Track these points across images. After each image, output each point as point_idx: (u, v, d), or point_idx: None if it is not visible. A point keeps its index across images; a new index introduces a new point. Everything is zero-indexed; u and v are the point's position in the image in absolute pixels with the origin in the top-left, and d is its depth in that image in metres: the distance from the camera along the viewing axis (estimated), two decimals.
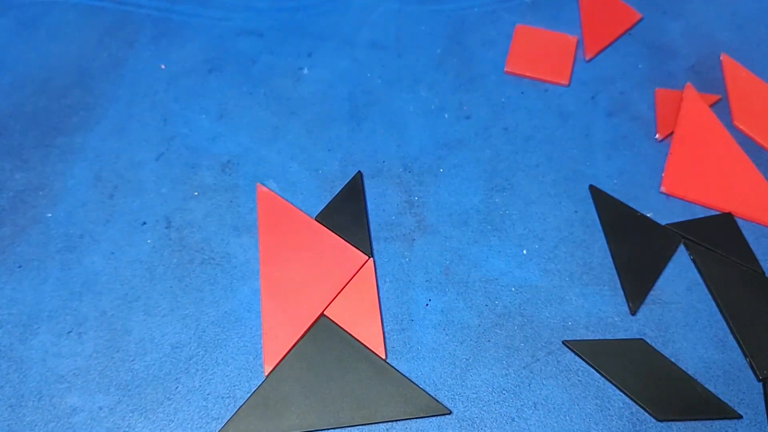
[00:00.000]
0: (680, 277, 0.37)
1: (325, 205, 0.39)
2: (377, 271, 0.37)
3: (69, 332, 0.35)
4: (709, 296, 0.36)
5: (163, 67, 0.46)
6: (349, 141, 0.42)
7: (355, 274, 0.36)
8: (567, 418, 0.32)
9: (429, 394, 0.33)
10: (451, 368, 0.34)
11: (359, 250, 0.37)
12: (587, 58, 0.46)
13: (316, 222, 0.38)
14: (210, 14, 0.50)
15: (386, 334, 0.35)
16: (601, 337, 0.35)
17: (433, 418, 0.32)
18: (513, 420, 0.32)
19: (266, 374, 0.34)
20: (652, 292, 0.36)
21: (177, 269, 0.37)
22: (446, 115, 0.43)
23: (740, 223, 0.38)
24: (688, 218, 0.39)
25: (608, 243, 0.38)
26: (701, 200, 0.39)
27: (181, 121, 0.44)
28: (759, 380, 0.33)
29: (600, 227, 0.38)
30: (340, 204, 0.39)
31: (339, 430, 0.32)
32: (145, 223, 0.39)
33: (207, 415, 0.33)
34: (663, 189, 0.39)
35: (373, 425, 0.32)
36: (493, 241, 0.38)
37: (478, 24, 0.48)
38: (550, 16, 0.48)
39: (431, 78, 0.45)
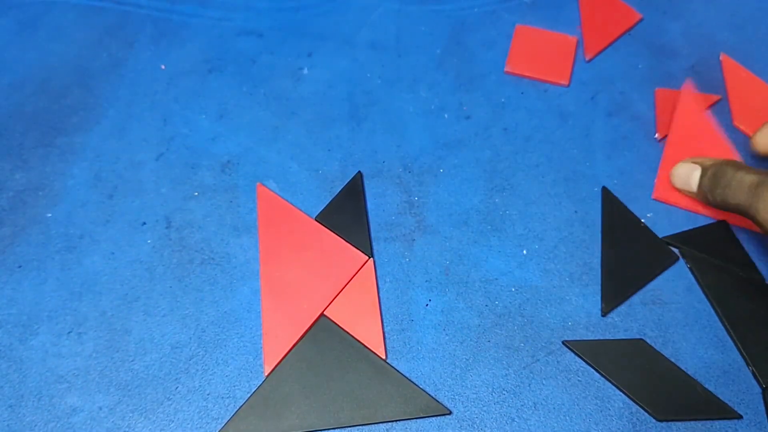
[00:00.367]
0: (680, 277, 0.37)
1: (325, 205, 0.39)
2: (377, 271, 0.37)
3: (69, 332, 0.35)
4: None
5: (163, 67, 0.46)
6: (349, 141, 0.42)
7: (355, 275, 0.36)
8: (567, 418, 0.32)
9: (429, 395, 0.33)
10: (451, 368, 0.34)
11: (359, 250, 0.37)
12: (587, 59, 0.46)
13: (316, 222, 0.38)
14: (210, 14, 0.50)
15: (386, 334, 0.35)
16: (601, 337, 0.35)
17: (433, 419, 0.32)
18: (513, 420, 0.32)
19: (266, 374, 0.34)
20: (651, 293, 0.36)
21: (177, 269, 0.37)
22: (446, 116, 0.43)
23: (737, 230, 0.38)
24: (687, 218, 0.39)
25: (602, 243, 0.38)
26: (692, 207, 0.39)
27: (181, 121, 0.44)
28: (762, 388, 0.33)
29: (599, 227, 0.38)
30: (340, 204, 0.39)
31: (339, 430, 0.32)
32: (144, 223, 0.39)
33: (207, 415, 0.33)
34: (654, 196, 0.39)
35: (373, 425, 0.32)
36: (493, 242, 0.38)
37: (478, 24, 0.48)
38: (550, 17, 0.48)
39: (431, 78, 0.45)
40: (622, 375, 0.33)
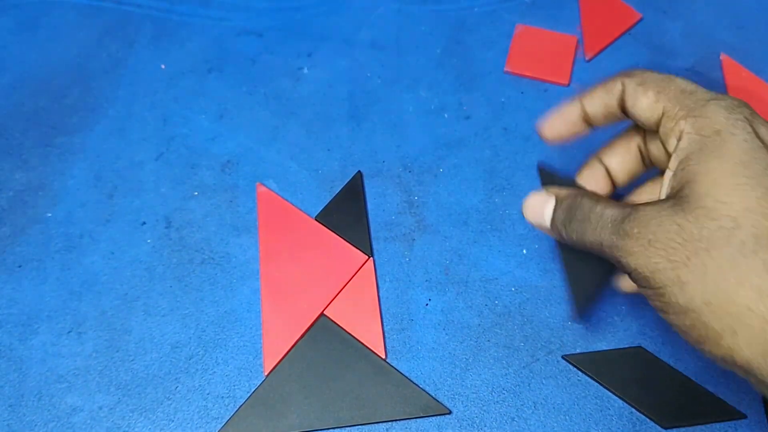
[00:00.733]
0: None
1: (324, 205, 0.39)
2: (377, 270, 0.37)
3: (69, 332, 0.35)
4: None
5: (163, 67, 0.46)
6: (349, 141, 0.42)
7: (354, 274, 0.36)
8: (567, 417, 0.32)
9: (429, 394, 0.33)
10: (450, 368, 0.34)
11: (359, 249, 0.37)
12: (587, 58, 0.46)
13: (316, 222, 0.38)
14: (210, 14, 0.50)
15: (386, 334, 0.35)
16: (601, 337, 0.35)
17: (433, 418, 0.32)
18: (513, 420, 0.32)
19: (266, 374, 0.34)
20: None
21: (177, 269, 0.37)
22: (446, 115, 0.43)
23: None
24: None
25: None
26: None
27: (180, 121, 0.44)
28: None
29: None
30: (339, 204, 0.39)
31: (339, 429, 0.32)
32: (144, 222, 0.39)
33: (207, 414, 0.33)
34: None
35: (372, 425, 0.32)
36: (492, 241, 0.38)
37: (478, 24, 0.48)
38: (550, 16, 0.48)
39: (431, 78, 0.45)
40: (624, 385, 0.33)
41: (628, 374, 0.33)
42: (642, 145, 0.32)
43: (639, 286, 0.26)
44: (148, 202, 0.40)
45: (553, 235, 0.31)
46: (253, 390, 0.33)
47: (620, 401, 0.33)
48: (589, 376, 0.33)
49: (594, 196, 0.28)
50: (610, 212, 0.26)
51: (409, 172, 0.41)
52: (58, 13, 0.50)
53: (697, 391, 0.33)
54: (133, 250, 0.38)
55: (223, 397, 0.33)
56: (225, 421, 0.32)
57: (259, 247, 0.38)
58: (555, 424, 0.32)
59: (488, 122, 0.43)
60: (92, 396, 0.33)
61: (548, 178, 0.33)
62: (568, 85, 0.45)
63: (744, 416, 0.32)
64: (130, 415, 0.33)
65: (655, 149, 0.31)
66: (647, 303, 0.36)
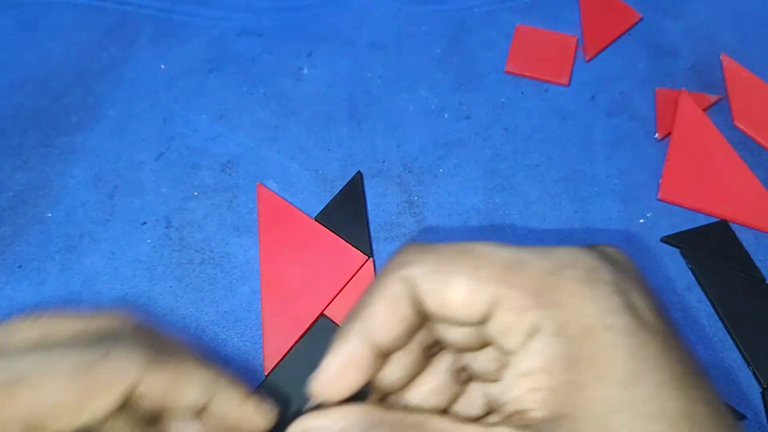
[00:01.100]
0: (679, 276, 0.37)
1: (325, 205, 0.39)
2: (377, 271, 0.37)
3: None
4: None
5: (163, 67, 0.46)
6: (349, 141, 0.42)
7: (354, 274, 0.36)
8: None
9: None
10: None
11: (359, 250, 0.37)
12: (587, 58, 0.46)
13: (316, 222, 0.38)
14: (210, 14, 0.50)
15: None
16: None
17: None
18: None
19: (266, 374, 0.34)
20: None
21: (177, 269, 0.37)
22: (446, 115, 0.43)
23: (738, 229, 0.38)
24: (687, 218, 0.39)
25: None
26: (698, 207, 0.39)
27: (181, 121, 0.44)
28: (762, 388, 0.33)
29: (600, 227, 0.38)
30: (340, 204, 0.39)
31: None
32: (145, 223, 0.39)
33: None
34: (660, 196, 0.39)
35: None
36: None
37: (478, 24, 0.48)
38: (550, 17, 0.48)
39: (431, 78, 0.45)
40: None
41: None
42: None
43: None
44: (148, 202, 0.40)
45: None
46: (253, 390, 0.33)
47: None
48: None
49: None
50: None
51: (410, 172, 0.41)
52: (58, 13, 0.50)
53: None
54: (133, 250, 0.38)
55: None
56: None
57: (259, 247, 0.38)
58: None
59: (488, 122, 0.43)
60: None
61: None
62: (568, 85, 0.45)
63: (744, 417, 0.32)
64: None
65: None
66: None
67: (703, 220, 0.39)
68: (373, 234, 0.38)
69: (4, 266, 0.37)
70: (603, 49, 0.47)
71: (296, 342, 0.34)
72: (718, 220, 0.39)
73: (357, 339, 0.21)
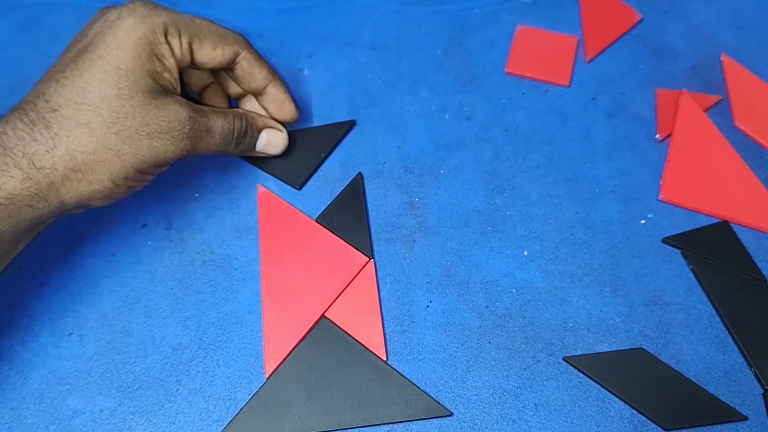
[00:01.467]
0: (681, 278, 0.37)
1: (325, 206, 0.39)
2: (378, 272, 0.37)
3: (70, 334, 0.35)
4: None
5: None
6: (350, 142, 0.42)
7: (355, 276, 0.36)
8: (568, 419, 0.32)
9: (430, 396, 0.33)
10: (452, 370, 0.34)
11: (360, 251, 0.37)
12: (588, 59, 0.46)
13: (317, 223, 0.38)
14: (211, 15, 0.49)
15: (387, 336, 0.35)
16: (602, 339, 0.35)
17: (434, 420, 0.32)
18: (514, 421, 0.32)
19: (267, 376, 0.34)
20: (653, 294, 0.36)
21: (177, 271, 0.37)
22: (447, 116, 0.43)
23: (739, 230, 0.38)
24: (688, 219, 0.39)
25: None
26: (699, 207, 0.39)
27: None
28: (764, 389, 0.33)
29: (600, 228, 0.38)
30: (340, 205, 0.39)
31: (340, 431, 0.32)
32: (145, 224, 0.39)
33: (208, 417, 0.33)
34: (661, 197, 0.39)
35: (373, 427, 0.32)
36: (493, 243, 0.38)
37: (478, 25, 0.48)
38: (551, 17, 0.48)
39: (432, 79, 0.45)
40: (625, 387, 0.33)
41: (629, 376, 0.33)
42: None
43: None
44: (148, 204, 0.40)
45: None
46: (254, 392, 0.33)
47: (621, 403, 0.33)
48: (590, 377, 0.33)
49: None
50: None
51: (410, 173, 0.41)
52: (58, 15, 0.50)
53: (699, 392, 0.33)
54: (134, 251, 0.38)
55: (224, 399, 0.33)
56: (226, 423, 0.32)
57: (260, 248, 0.38)
58: (556, 426, 0.32)
59: (489, 123, 0.43)
60: (93, 398, 0.33)
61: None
62: (569, 85, 0.45)
63: (745, 418, 0.32)
64: (131, 417, 0.33)
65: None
66: (648, 304, 0.36)
67: (704, 221, 0.39)
68: (373, 235, 0.38)
69: (5, 268, 0.37)
70: (603, 50, 0.47)
71: (297, 344, 0.34)
72: (719, 220, 0.39)
73: None
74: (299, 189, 0.39)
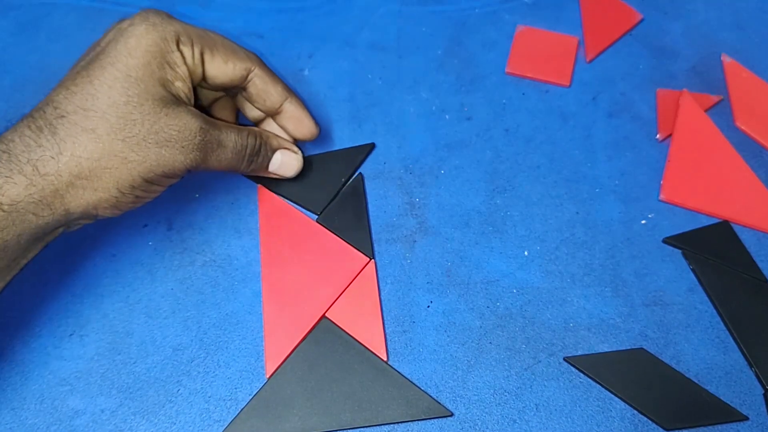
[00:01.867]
0: (681, 278, 0.37)
1: (326, 206, 0.39)
2: (378, 272, 0.37)
3: (70, 335, 0.35)
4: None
5: None
6: (350, 142, 0.42)
7: (356, 276, 0.36)
8: (568, 419, 0.32)
9: (430, 396, 0.33)
10: (452, 370, 0.34)
11: (360, 251, 0.37)
12: (588, 59, 0.46)
13: (317, 224, 0.38)
14: (211, 15, 0.50)
15: (387, 336, 0.35)
16: (603, 339, 0.35)
17: (435, 420, 0.32)
18: (515, 422, 0.32)
19: (268, 376, 0.34)
20: (653, 294, 0.36)
21: (178, 271, 0.37)
22: (447, 117, 0.43)
23: (740, 230, 0.38)
24: (689, 219, 0.39)
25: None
26: (700, 207, 0.39)
27: None
28: (765, 389, 0.33)
29: (601, 228, 0.38)
30: (341, 205, 0.39)
31: None
32: (146, 225, 0.39)
33: (209, 417, 0.33)
34: (662, 197, 0.39)
35: (374, 427, 0.32)
36: (494, 243, 0.38)
37: (478, 25, 0.48)
38: (551, 17, 0.48)
39: (432, 79, 0.45)
40: (625, 387, 0.33)
41: (629, 376, 0.33)
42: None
43: None
44: (149, 204, 0.39)
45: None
46: (255, 392, 0.33)
47: (622, 403, 0.33)
48: (590, 377, 0.33)
49: None
50: None
51: (411, 173, 0.41)
52: (58, 15, 0.49)
53: (699, 392, 0.33)
54: (135, 252, 0.38)
55: (224, 399, 0.33)
56: (227, 423, 0.32)
57: (261, 249, 0.38)
58: (557, 426, 0.32)
59: (489, 123, 0.43)
60: (94, 399, 0.33)
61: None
62: (569, 86, 0.45)
63: (746, 418, 0.32)
64: (132, 418, 0.33)
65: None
66: (649, 305, 0.36)
67: (704, 221, 0.39)
68: (374, 236, 0.38)
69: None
70: (604, 50, 0.47)
71: (298, 344, 0.34)
72: (719, 221, 0.39)
73: None
74: (319, 215, 0.39)
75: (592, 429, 0.32)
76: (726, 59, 0.46)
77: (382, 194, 0.40)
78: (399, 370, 0.34)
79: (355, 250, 0.37)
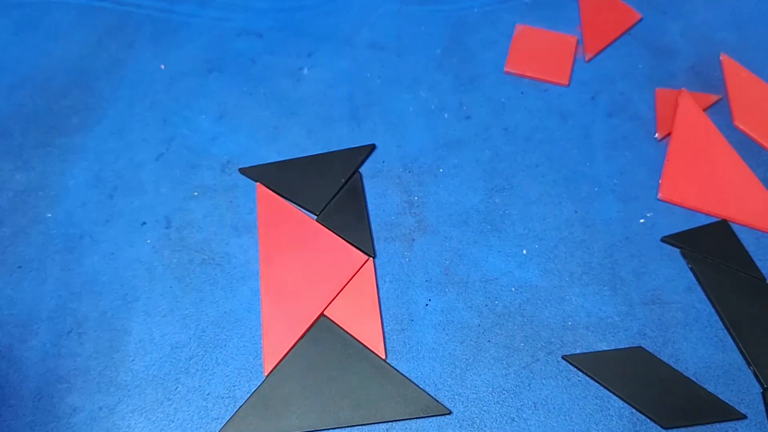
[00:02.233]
0: (680, 276, 0.37)
1: (325, 205, 0.39)
2: (377, 271, 0.37)
3: (69, 332, 0.35)
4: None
5: (162, 67, 0.46)
6: (350, 141, 0.42)
7: (355, 274, 0.36)
8: (567, 418, 0.32)
9: (429, 394, 0.33)
10: (451, 368, 0.34)
11: (360, 250, 0.37)
12: (587, 58, 0.46)
13: (316, 222, 0.38)
14: (210, 14, 0.50)
15: (386, 334, 0.35)
16: (601, 337, 0.35)
17: (433, 418, 0.32)
18: (513, 420, 0.32)
19: (266, 374, 0.34)
20: (652, 292, 0.36)
21: (177, 269, 0.37)
22: (446, 116, 0.43)
23: (738, 229, 0.38)
24: (687, 218, 0.39)
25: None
26: (698, 207, 0.39)
27: (181, 122, 0.44)
28: (763, 388, 0.33)
29: (599, 227, 0.38)
30: (340, 204, 0.39)
31: (339, 430, 0.32)
32: (144, 223, 0.39)
33: (207, 415, 0.33)
34: (660, 196, 0.39)
35: (372, 425, 0.32)
36: (493, 241, 0.38)
37: (477, 24, 0.48)
38: (550, 17, 0.48)
39: (431, 78, 0.45)
40: (624, 385, 0.33)
41: (628, 374, 0.33)
42: None
43: None
44: (148, 203, 0.40)
45: None
46: (253, 390, 0.33)
47: (620, 401, 0.33)
48: (589, 376, 0.33)
49: None
50: None
51: (409, 172, 0.41)
52: (58, 14, 0.50)
53: (698, 391, 0.33)
54: (133, 250, 0.38)
55: (223, 397, 0.33)
56: (225, 421, 0.32)
57: (259, 247, 0.38)
58: (555, 425, 0.32)
59: (488, 122, 0.43)
60: (92, 396, 0.33)
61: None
62: (568, 85, 0.45)
63: (744, 416, 0.32)
64: (130, 415, 0.33)
65: None
66: (647, 303, 0.36)
67: (703, 220, 0.39)
68: (373, 234, 0.38)
69: (4, 266, 0.37)
70: (603, 49, 0.47)
71: (296, 342, 0.34)
72: (718, 220, 0.39)
73: None
74: (318, 215, 0.39)
75: (591, 427, 0.32)
76: (725, 59, 0.46)
77: (381, 193, 0.40)
78: (397, 368, 0.34)
79: (354, 248, 0.37)
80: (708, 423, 0.32)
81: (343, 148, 0.42)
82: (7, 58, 0.47)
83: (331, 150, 0.42)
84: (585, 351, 0.34)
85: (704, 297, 0.36)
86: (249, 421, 0.32)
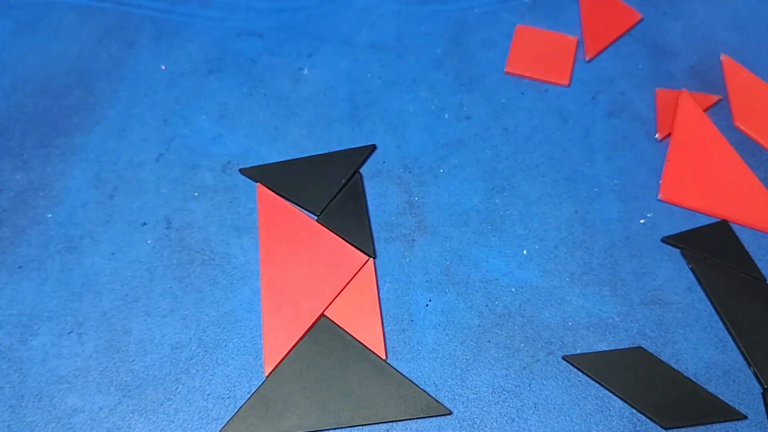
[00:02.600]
0: (680, 277, 0.37)
1: (325, 205, 0.39)
2: (377, 271, 0.37)
3: (69, 333, 0.35)
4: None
5: (163, 67, 0.46)
6: (350, 141, 0.42)
7: (355, 275, 0.36)
8: (567, 418, 0.32)
9: (429, 395, 0.33)
10: (451, 368, 0.34)
11: (359, 250, 0.37)
12: (587, 59, 0.46)
13: (316, 222, 0.38)
14: (210, 15, 0.50)
15: (386, 335, 0.35)
16: (601, 338, 0.35)
17: (434, 419, 0.32)
18: (513, 420, 0.32)
19: (266, 374, 0.34)
20: (652, 293, 0.36)
21: (177, 270, 0.37)
22: (446, 116, 0.43)
23: (739, 229, 0.38)
24: (687, 219, 0.39)
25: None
26: (698, 207, 0.39)
27: (181, 122, 0.44)
28: (763, 388, 0.33)
29: (600, 228, 0.38)
30: (340, 204, 0.39)
31: (339, 430, 0.32)
32: (145, 223, 0.39)
33: (207, 415, 0.33)
34: (660, 196, 0.39)
35: (373, 425, 0.32)
36: (493, 242, 0.38)
37: (478, 24, 0.48)
38: (550, 17, 0.49)
39: (431, 78, 0.45)
40: (624, 385, 0.33)
41: (628, 375, 0.33)
42: None
43: None
44: (148, 203, 0.40)
45: None
46: (253, 391, 0.33)
47: (621, 402, 0.33)
48: (589, 376, 0.33)
49: None
50: None
51: (410, 172, 0.41)
52: (58, 14, 0.50)
53: (698, 391, 0.33)
54: (134, 250, 0.38)
55: (223, 397, 0.33)
56: (225, 421, 0.32)
57: (260, 247, 0.38)
58: (555, 425, 0.32)
59: (488, 123, 0.43)
60: (92, 397, 0.33)
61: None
62: (569, 85, 0.45)
63: (744, 417, 0.32)
64: (131, 416, 0.33)
65: None
66: (647, 303, 0.36)
67: (703, 221, 0.39)
68: (373, 234, 0.38)
69: (4, 266, 0.37)
70: (603, 50, 0.47)
71: (297, 342, 0.34)
72: (718, 220, 0.39)
73: None
74: (319, 216, 0.39)
75: (591, 428, 0.32)
76: (725, 59, 0.46)
77: (381, 193, 0.40)
78: (398, 369, 0.34)
79: (354, 249, 0.37)
80: (708, 423, 0.32)
81: (343, 148, 0.42)
82: (6, 58, 0.47)
83: (331, 150, 0.42)
84: (585, 351, 0.34)
85: (704, 297, 0.36)
86: (249, 422, 0.32)
